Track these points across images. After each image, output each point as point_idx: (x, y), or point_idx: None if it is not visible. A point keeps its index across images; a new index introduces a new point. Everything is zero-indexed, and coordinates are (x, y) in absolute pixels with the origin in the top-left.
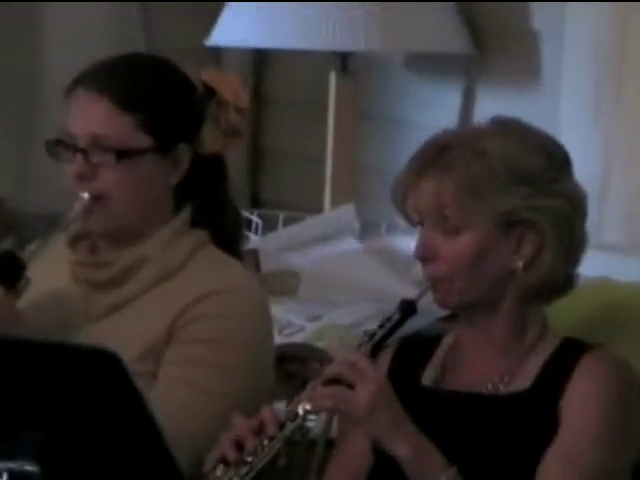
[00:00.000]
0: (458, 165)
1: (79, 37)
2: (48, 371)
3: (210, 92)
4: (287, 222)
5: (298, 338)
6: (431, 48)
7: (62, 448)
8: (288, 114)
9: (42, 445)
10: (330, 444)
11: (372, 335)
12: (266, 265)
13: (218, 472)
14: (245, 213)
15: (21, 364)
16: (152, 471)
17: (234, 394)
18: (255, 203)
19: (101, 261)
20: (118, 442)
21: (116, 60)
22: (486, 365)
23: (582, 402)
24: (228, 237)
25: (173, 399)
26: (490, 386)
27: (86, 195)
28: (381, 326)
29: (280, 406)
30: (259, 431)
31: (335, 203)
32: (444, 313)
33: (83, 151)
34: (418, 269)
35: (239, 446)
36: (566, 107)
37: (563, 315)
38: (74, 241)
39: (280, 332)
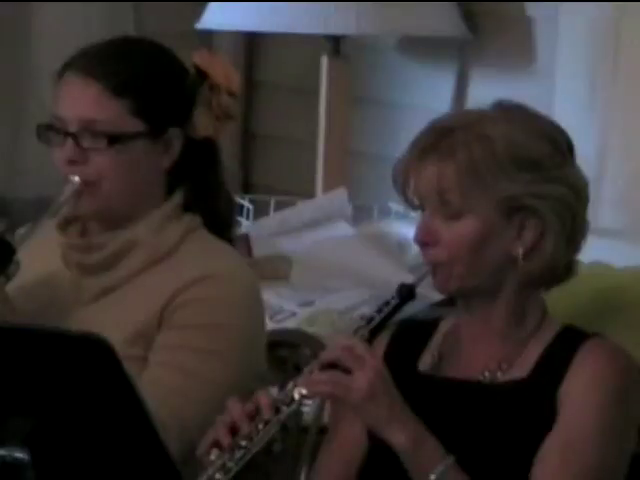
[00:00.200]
0: (461, 149)
1: (68, 21)
2: (37, 357)
3: (202, 75)
4: (279, 207)
5: (290, 324)
6: (424, 32)
7: (52, 435)
8: (280, 98)
9: (32, 432)
10: (322, 431)
11: (370, 319)
12: (258, 250)
13: (212, 456)
14: (237, 198)
15: (10, 351)
16: (142, 456)
17: (225, 379)
18: (246, 188)
19: (92, 244)
20: (108, 428)
21: (107, 44)
22: (484, 352)
23: (581, 392)
24: (220, 222)
25: (164, 384)
26: (487, 374)
27: (77, 179)
28: (379, 310)
29: (272, 391)
30: (254, 415)
31: (327, 187)
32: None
33: (74, 136)
34: (411, 254)
35: (233, 430)
36: (561, 91)
37: (558, 300)
38: (65, 225)
39: (272, 318)
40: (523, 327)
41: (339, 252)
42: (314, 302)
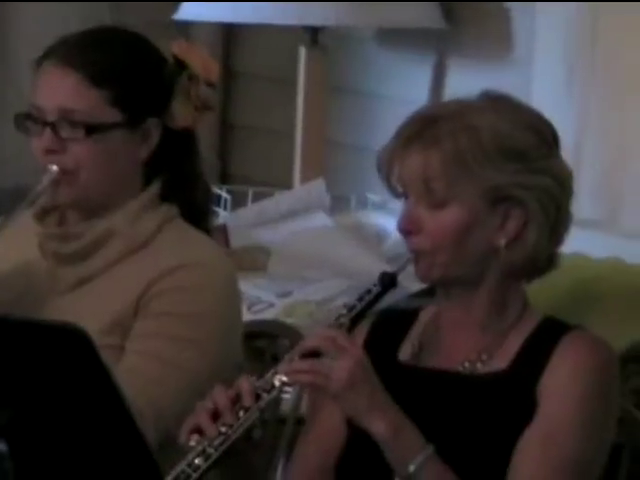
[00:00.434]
0: (446, 138)
1: (45, 11)
2: (14, 348)
3: (181, 66)
4: (256, 197)
5: (268, 315)
6: (402, 23)
7: (30, 425)
8: (258, 89)
9: (9, 423)
10: (300, 422)
11: (351, 307)
12: (235, 241)
13: (192, 442)
14: (214, 188)
15: None
16: (119, 446)
17: (202, 367)
18: (224, 178)
19: (69, 234)
20: (85, 418)
21: (85, 34)
22: (464, 342)
23: (561, 384)
24: (197, 212)
25: (141, 372)
26: (468, 364)
27: (55, 168)
28: (360, 299)
29: (251, 381)
30: (235, 402)
31: (305, 178)
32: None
33: (52, 125)
34: (389, 244)
35: (214, 416)
36: (538, 81)
37: (538, 291)
38: (42, 215)
39: (249, 309)
40: (504, 318)
41: (317, 243)
42: (292, 293)
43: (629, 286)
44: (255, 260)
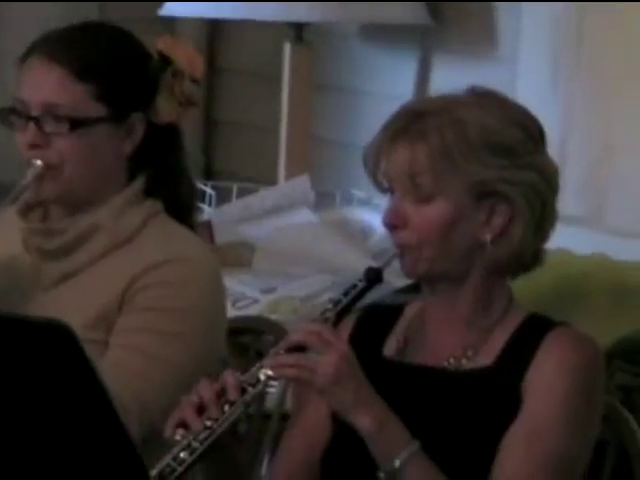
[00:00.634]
0: (433, 133)
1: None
2: None
3: (166, 61)
4: (241, 193)
5: (252, 311)
6: (387, 19)
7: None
8: (243, 85)
9: None
10: (284, 418)
11: (337, 302)
12: (220, 237)
13: (177, 436)
14: (199, 184)
15: None
16: (104, 441)
17: (186, 362)
18: (209, 174)
19: (52, 229)
20: (69, 413)
21: (70, 29)
22: (449, 338)
23: (546, 380)
24: (182, 207)
25: (125, 367)
26: (453, 360)
27: (39, 162)
28: (346, 293)
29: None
30: (220, 396)
31: (290, 174)
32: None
33: (36, 120)
34: (374, 241)
35: (199, 410)
36: (523, 77)
37: (522, 287)
38: (26, 210)
39: (234, 305)
40: (489, 314)
41: (302, 239)
42: (276, 289)
43: (614, 282)
44: (240, 256)
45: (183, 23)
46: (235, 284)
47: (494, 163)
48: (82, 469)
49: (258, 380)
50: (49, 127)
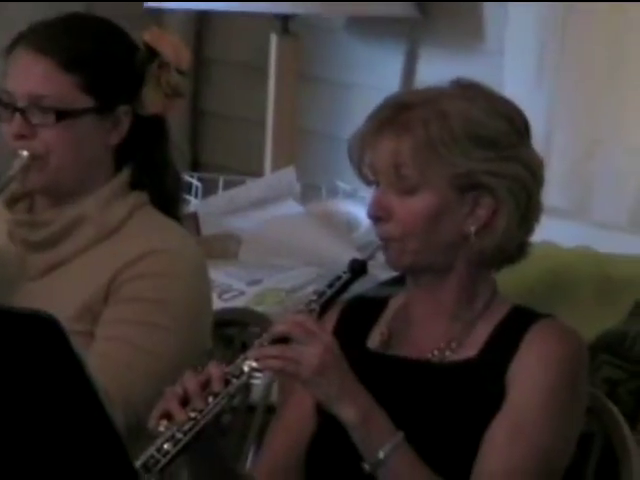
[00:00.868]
0: (417, 125)
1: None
2: None
3: (152, 53)
4: (227, 185)
5: (238, 303)
6: (374, 12)
7: None
8: (229, 76)
9: None
10: (270, 410)
11: (321, 293)
12: (206, 229)
13: (161, 427)
14: (185, 176)
15: None
16: (90, 433)
17: (172, 353)
18: (195, 166)
19: (38, 220)
20: (56, 405)
21: (57, 20)
22: (433, 331)
23: (530, 372)
24: (167, 199)
25: (110, 358)
26: (437, 352)
27: (25, 153)
28: (330, 285)
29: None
30: (204, 387)
31: (276, 166)
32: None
33: (22, 111)
34: (359, 233)
35: (184, 402)
36: (509, 69)
37: (507, 280)
38: (12, 201)
39: (220, 297)
40: (473, 306)
41: (287, 231)
42: (262, 281)
43: (599, 275)
44: (226, 248)
45: (170, 15)
46: (221, 276)
47: (478, 155)
48: (68, 460)
49: (242, 372)
50: (35, 118)
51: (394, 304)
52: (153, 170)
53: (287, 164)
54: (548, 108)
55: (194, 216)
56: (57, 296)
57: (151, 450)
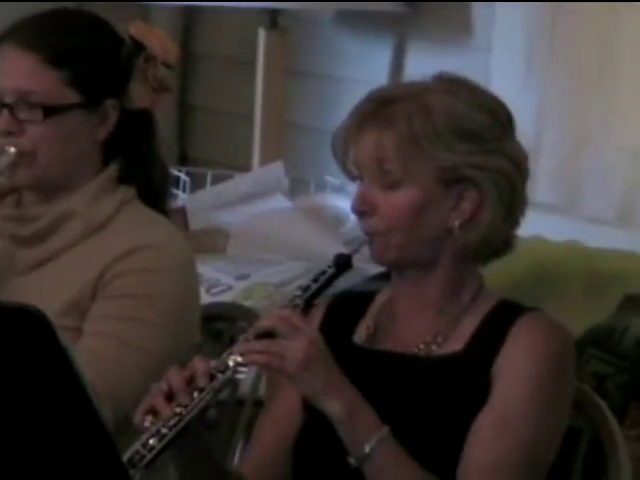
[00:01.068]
0: (400, 119)
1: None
2: None
3: (138, 47)
4: (215, 180)
5: (226, 297)
6: (362, 6)
7: None
8: (217, 71)
9: None
10: (258, 404)
11: (306, 288)
12: (194, 223)
13: (146, 423)
14: (173, 171)
15: None
16: (78, 429)
17: (160, 349)
18: (183, 161)
19: (27, 215)
20: (44, 400)
21: (43, 15)
22: (420, 325)
23: (516, 365)
24: (155, 193)
25: (98, 353)
26: (423, 347)
27: (12, 149)
28: (315, 280)
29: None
30: (189, 383)
31: (264, 161)
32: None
33: (9, 107)
34: (347, 227)
35: (169, 397)
36: (498, 65)
37: (496, 274)
38: None
39: (208, 291)
40: (459, 300)
41: (275, 225)
42: (250, 275)
43: (588, 269)
44: (214, 242)
45: (158, 9)
46: (209, 270)
47: (461, 148)
48: (56, 455)
49: (227, 367)
50: (22, 114)
51: (380, 298)
52: (140, 164)
53: (275, 159)
54: (537, 105)
55: (182, 210)
56: (45, 291)
57: (136, 445)
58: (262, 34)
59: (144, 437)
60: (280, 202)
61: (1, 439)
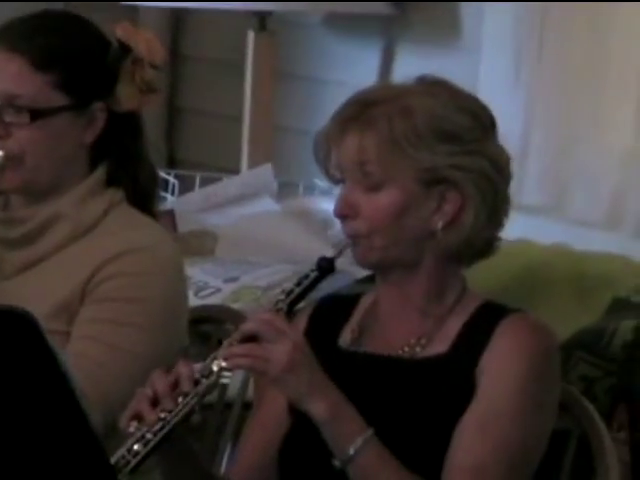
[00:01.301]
0: (381, 121)
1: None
2: None
3: (125, 49)
4: (204, 182)
5: (214, 300)
6: (350, 8)
7: None
8: (206, 73)
9: None
10: (246, 407)
11: (289, 292)
12: (182, 226)
13: (131, 428)
14: (162, 173)
15: None
16: (67, 432)
17: (148, 352)
18: (171, 163)
19: (14, 218)
20: (32, 403)
21: (30, 18)
22: (404, 327)
23: (499, 366)
24: (143, 195)
25: (86, 357)
26: (407, 349)
27: (0, 153)
28: (298, 283)
29: (197, 366)
30: (174, 387)
31: (253, 163)
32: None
33: None
34: (335, 230)
35: (154, 402)
36: (486, 67)
37: (483, 277)
38: None
39: (197, 294)
40: (442, 302)
41: (264, 228)
42: (238, 278)
43: (575, 272)
44: (202, 245)
45: (146, 11)
46: (198, 273)
47: (442, 149)
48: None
49: (211, 371)
50: (9, 117)
51: (365, 301)
52: (128, 166)
53: (264, 161)
54: (525, 106)
55: (170, 213)
56: (33, 294)
57: (121, 451)
58: (251, 36)
59: (129, 442)
60: (269, 205)
61: None
